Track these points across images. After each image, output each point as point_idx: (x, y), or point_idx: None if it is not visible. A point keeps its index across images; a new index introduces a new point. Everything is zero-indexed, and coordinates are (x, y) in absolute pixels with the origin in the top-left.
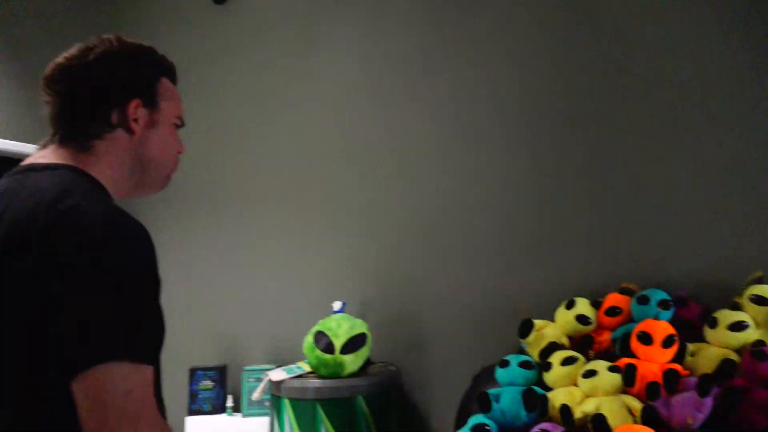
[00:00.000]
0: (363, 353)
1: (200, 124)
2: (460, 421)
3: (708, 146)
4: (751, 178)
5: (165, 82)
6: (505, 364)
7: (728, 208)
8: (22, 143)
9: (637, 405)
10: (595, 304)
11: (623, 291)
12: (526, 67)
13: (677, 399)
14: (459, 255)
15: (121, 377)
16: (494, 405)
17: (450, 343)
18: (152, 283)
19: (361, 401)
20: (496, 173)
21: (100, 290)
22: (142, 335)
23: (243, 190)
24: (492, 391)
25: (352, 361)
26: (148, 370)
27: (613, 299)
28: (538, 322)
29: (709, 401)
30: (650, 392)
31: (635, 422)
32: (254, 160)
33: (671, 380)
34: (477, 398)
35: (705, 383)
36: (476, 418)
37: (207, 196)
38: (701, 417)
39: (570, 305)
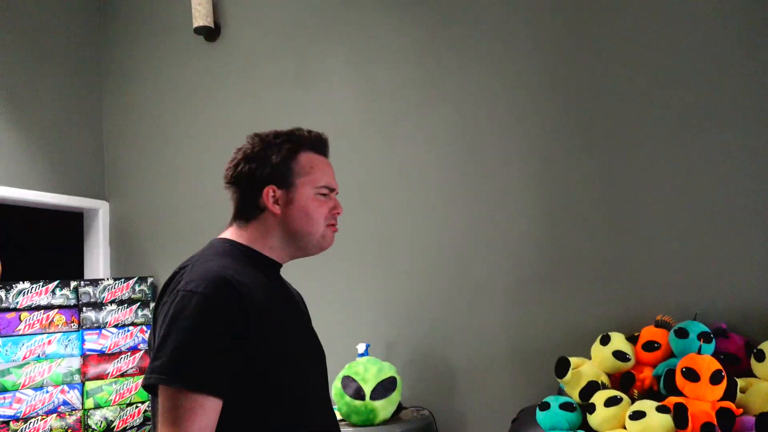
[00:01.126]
0: (394, 398)
1: (204, 161)
2: None
3: (744, 171)
4: None
5: (303, 158)
6: (545, 406)
7: (763, 235)
8: (17, 188)
9: None
10: (631, 339)
11: (659, 324)
12: (532, 92)
13: None
14: (485, 292)
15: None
16: None
17: (483, 384)
18: (215, 324)
19: None
20: (517, 206)
21: (169, 325)
22: (192, 368)
23: None
24: None
25: (383, 407)
26: (195, 398)
27: (649, 333)
28: (574, 360)
29: None
30: None
31: None
32: None
33: (727, 420)
34: None
35: (763, 422)
36: None
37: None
38: None
39: (605, 341)
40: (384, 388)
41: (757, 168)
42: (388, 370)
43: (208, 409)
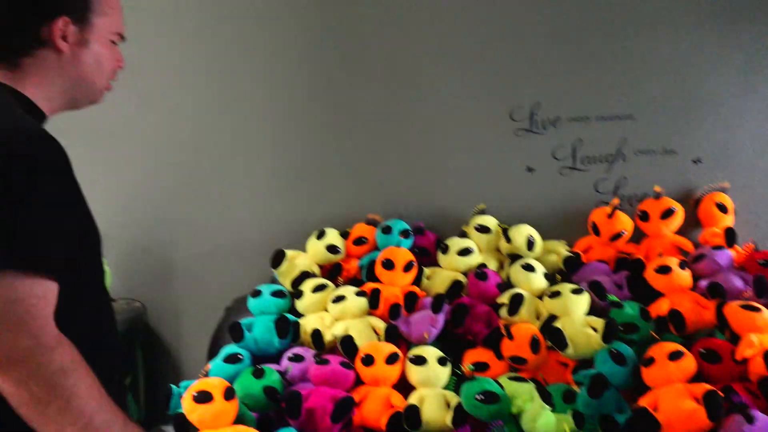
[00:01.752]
0: None
1: None
2: (213, 353)
3: (445, 93)
4: (480, 123)
5: (109, 8)
6: (257, 294)
7: (459, 149)
8: None
9: (381, 325)
10: (344, 235)
11: (369, 222)
12: None
13: (415, 317)
14: (207, 184)
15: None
16: (246, 334)
17: (200, 276)
18: (50, 193)
19: None
20: (247, 101)
21: None
22: (38, 246)
23: None
24: (244, 320)
25: None
26: (42, 283)
27: (360, 230)
28: (290, 253)
29: (441, 317)
30: (392, 312)
31: (380, 340)
32: None
33: (410, 301)
34: (229, 328)
35: (437, 301)
36: (229, 348)
37: None
38: (435, 331)
39: (320, 236)
40: None
41: (454, 94)
42: None
43: (52, 297)
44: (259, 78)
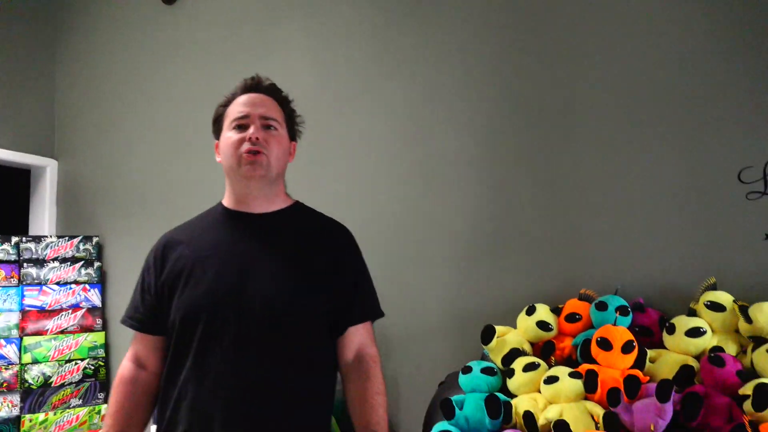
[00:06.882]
0: None
1: (155, 125)
2: (428, 427)
3: (665, 156)
4: (705, 187)
5: (232, 106)
6: (467, 370)
7: (682, 217)
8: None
9: (599, 411)
10: (555, 311)
11: (582, 297)
12: (480, 74)
13: (638, 405)
14: (420, 261)
15: None
16: (458, 412)
17: (415, 350)
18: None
19: None
20: (455, 178)
21: None
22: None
23: (191, 192)
24: (455, 397)
25: None
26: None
27: (573, 305)
28: (500, 329)
29: (669, 407)
30: (611, 398)
31: (597, 428)
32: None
33: (632, 386)
34: (440, 405)
35: (665, 389)
36: (440, 425)
37: (161, 199)
38: (662, 423)
39: (530, 311)
40: None
41: (675, 157)
42: None
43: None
44: (460, 153)
